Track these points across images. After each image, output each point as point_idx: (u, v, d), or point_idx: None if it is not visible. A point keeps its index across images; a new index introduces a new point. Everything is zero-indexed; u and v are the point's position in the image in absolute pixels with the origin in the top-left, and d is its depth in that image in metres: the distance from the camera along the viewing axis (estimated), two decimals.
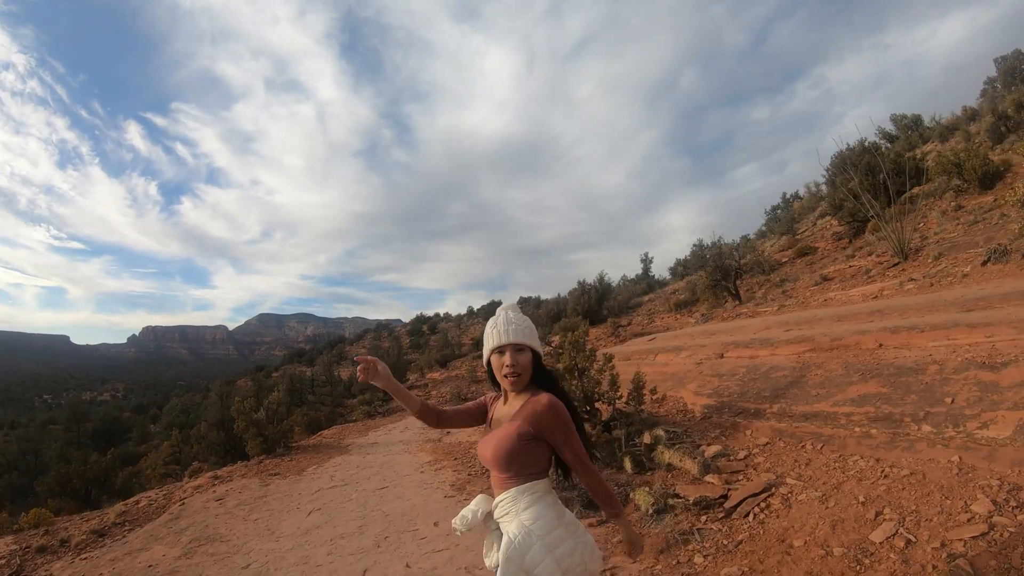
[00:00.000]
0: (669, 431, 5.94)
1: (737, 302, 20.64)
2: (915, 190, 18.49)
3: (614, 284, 32.78)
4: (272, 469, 10.16)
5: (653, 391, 6.26)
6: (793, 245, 25.21)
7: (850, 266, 16.35)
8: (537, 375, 2.43)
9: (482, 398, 2.69)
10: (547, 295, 51.61)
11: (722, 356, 8.72)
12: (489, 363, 2.46)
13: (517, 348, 2.37)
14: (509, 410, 2.39)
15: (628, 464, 5.58)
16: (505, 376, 2.35)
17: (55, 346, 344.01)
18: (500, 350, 2.38)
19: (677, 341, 11.05)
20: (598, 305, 29.29)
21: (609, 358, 6.37)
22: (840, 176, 28.33)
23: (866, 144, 26.18)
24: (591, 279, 30.77)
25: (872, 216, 16.55)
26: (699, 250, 36.66)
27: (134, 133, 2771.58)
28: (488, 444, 2.36)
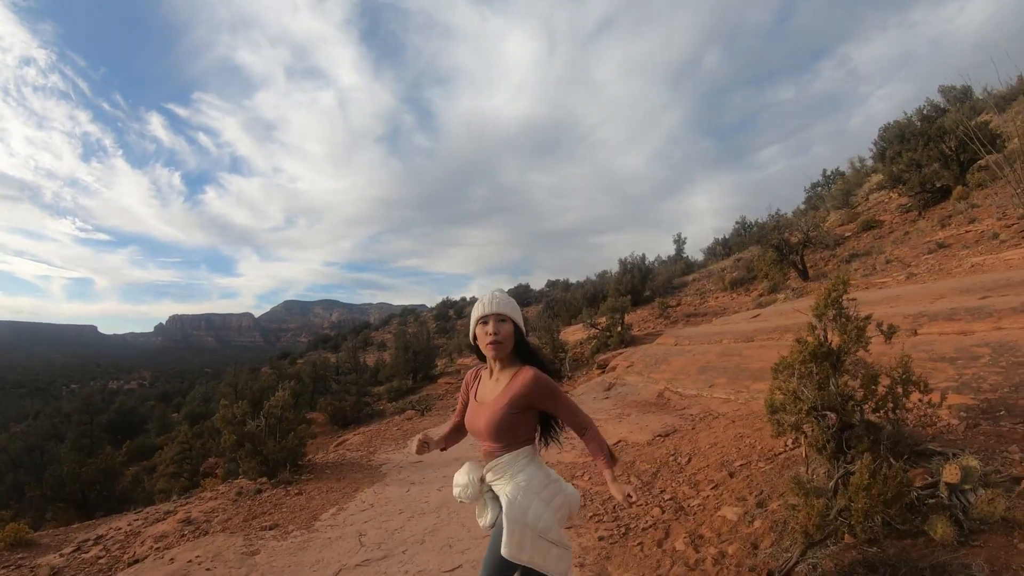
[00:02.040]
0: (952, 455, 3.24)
1: (804, 278, 18.42)
2: (988, 158, 16.43)
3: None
4: (268, 513, 6.57)
5: (924, 388, 3.53)
6: (852, 219, 22.72)
7: (967, 231, 13.85)
8: (519, 349, 2.52)
9: (464, 383, 2.83)
10: (574, 278, 49.59)
11: (916, 333, 6.05)
12: (475, 336, 2.54)
13: (499, 318, 2.46)
14: (496, 385, 2.52)
15: (941, 528, 2.88)
16: (488, 344, 2.45)
17: (83, 336, 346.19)
18: (484, 320, 2.48)
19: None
20: (641, 285, 26.68)
21: (890, 330, 3.62)
22: (892, 147, 26.26)
23: (925, 112, 24.31)
24: (617, 261, 28.74)
25: (943, 185, 16.17)
26: (742, 227, 34.19)
27: (156, 124, 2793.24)
28: (480, 417, 2.51)
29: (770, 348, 7.26)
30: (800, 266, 18.92)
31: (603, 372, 11.35)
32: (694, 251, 37.80)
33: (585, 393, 9.63)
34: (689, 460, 4.98)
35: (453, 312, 56.21)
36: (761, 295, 20.60)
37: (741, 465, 4.48)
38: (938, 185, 17.38)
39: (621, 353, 10.88)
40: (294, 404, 10.05)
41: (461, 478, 2.56)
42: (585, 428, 2.43)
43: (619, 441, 6.09)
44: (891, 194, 22.86)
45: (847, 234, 21.51)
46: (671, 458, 5.17)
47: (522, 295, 52.35)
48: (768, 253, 19.86)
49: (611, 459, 2.45)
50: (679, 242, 38.19)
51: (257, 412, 8.76)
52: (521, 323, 2.51)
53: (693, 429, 5.81)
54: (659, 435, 5.91)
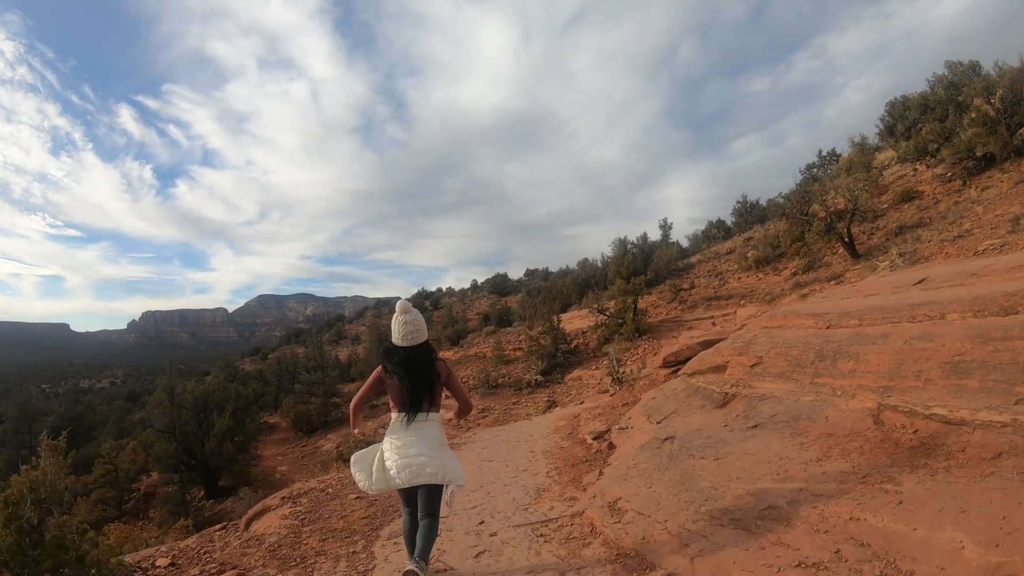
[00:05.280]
0: None
1: (851, 252, 15.47)
2: None
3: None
4: None
5: None
6: (880, 192, 19.49)
7: None
8: None
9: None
10: (551, 268, 46.99)
11: None
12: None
13: None
14: None
15: None
16: None
17: (55, 335, 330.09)
18: None
19: None
20: (644, 267, 22.83)
21: None
22: (903, 121, 24.01)
23: (951, 80, 22.83)
24: (617, 241, 25.21)
25: (985, 152, 15.02)
26: (743, 206, 30.62)
27: (126, 117, 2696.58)
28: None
29: None
30: (847, 239, 15.54)
31: (675, 372, 7.42)
32: (677, 238, 34.77)
33: (677, 411, 5.64)
34: None
35: (429, 303, 52.11)
36: (795, 273, 17.20)
37: None
38: (978, 154, 15.47)
39: (719, 341, 6.81)
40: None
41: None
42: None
43: None
44: (916, 166, 19.83)
45: (883, 206, 18.27)
46: None
47: (500, 284, 49.02)
48: (815, 224, 16.31)
49: None
50: (665, 227, 34.94)
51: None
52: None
53: None
54: None
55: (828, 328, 5.46)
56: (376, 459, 3.42)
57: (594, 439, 5.86)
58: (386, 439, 3.43)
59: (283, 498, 5.25)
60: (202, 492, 16.32)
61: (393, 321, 3.46)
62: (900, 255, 10.21)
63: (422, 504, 3.28)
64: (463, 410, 3.59)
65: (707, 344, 7.15)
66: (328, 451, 17.65)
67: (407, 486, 3.28)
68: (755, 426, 4.45)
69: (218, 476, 16.15)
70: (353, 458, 3.54)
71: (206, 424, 15.64)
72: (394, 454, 3.30)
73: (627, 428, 5.63)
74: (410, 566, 3.00)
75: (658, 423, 5.44)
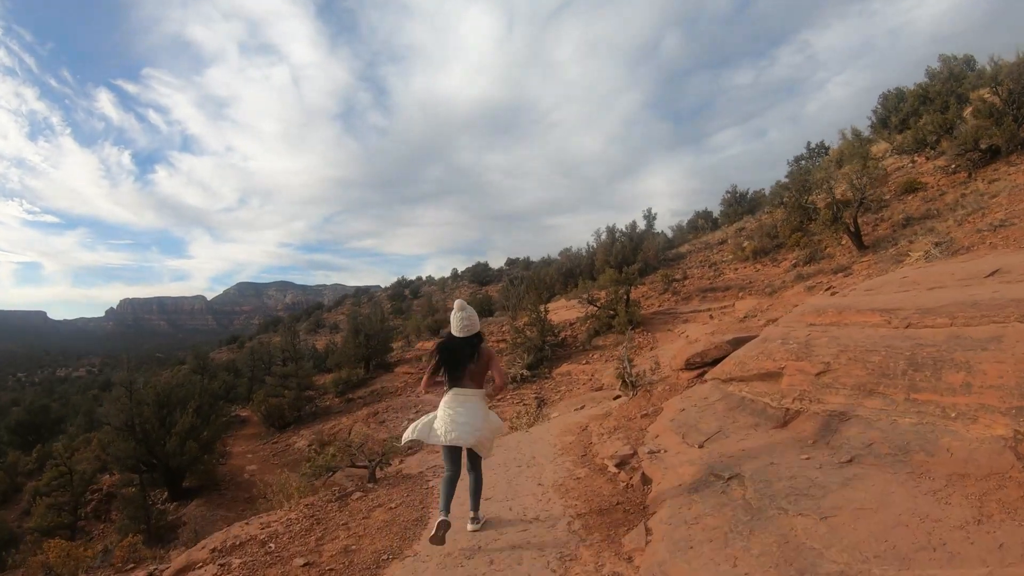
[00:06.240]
0: None
1: (857, 244, 14.66)
2: None
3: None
4: None
5: None
6: (882, 183, 18.91)
7: None
8: None
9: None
10: (533, 257, 46.12)
11: None
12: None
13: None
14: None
15: None
16: None
17: (32, 322, 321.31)
18: None
19: None
20: (633, 256, 21.74)
21: None
22: (896, 114, 23.41)
23: (953, 71, 22.65)
24: (604, 228, 24.15)
25: (989, 144, 14.69)
26: (733, 196, 29.67)
27: (105, 101, 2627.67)
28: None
29: None
30: (854, 230, 14.68)
31: (700, 375, 6.28)
32: (660, 229, 33.89)
33: (723, 431, 4.45)
34: None
35: (409, 292, 50.79)
36: (796, 264, 16.34)
37: None
38: (983, 146, 15.02)
39: (750, 339, 5.56)
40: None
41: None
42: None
43: None
44: (915, 158, 19.29)
45: (886, 196, 17.46)
46: None
47: (481, 274, 48.00)
48: (821, 214, 15.40)
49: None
50: (650, 217, 33.93)
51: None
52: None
53: None
54: None
55: (908, 327, 4.33)
56: (427, 423, 4.13)
57: (617, 466, 4.67)
58: (440, 408, 4.13)
59: (213, 551, 3.97)
60: (165, 494, 14.99)
61: (452, 316, 4.17)
62: (936, 245, 9.17)
63: (468, 460, 4.16)
64: (497, 387, 4.25)
65: (738, 342, 6.02)
66: (300, 449, 16.35)
67: (451, 445, 4.01)
68: (850, 461, 3.30)
69: (181, 477, 14.82)
70: (411, 427, 4.21)
71: (168, 421, 14.26)
72: (446, 420, 4.01)
73: (660, 452, 4.47)
74: (442, 516, 3.77)
75: (700, 447, 4.28)
